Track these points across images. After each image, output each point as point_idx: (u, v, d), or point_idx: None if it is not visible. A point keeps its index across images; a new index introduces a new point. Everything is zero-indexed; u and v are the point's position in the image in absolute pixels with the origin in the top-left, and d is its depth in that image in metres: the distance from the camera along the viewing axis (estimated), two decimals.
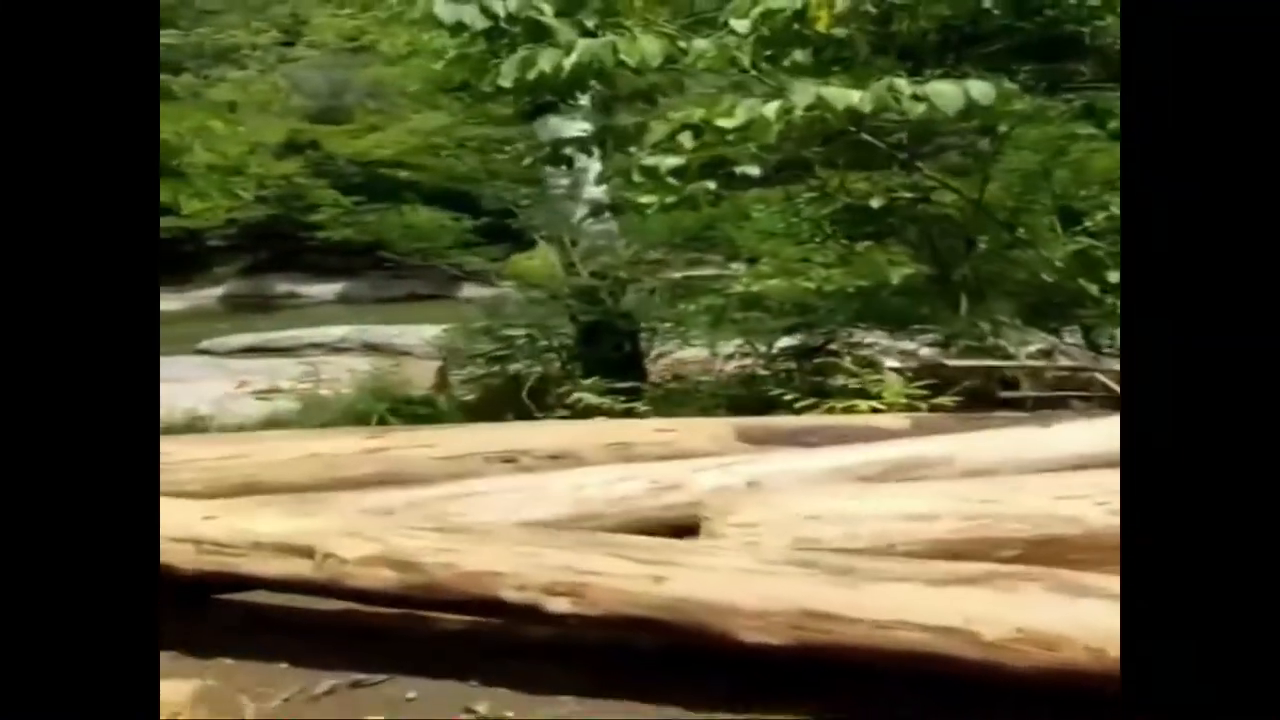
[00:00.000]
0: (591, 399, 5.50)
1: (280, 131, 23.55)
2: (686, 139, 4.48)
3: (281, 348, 13.87)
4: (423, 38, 10.22)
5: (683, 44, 4.55)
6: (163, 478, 3.06)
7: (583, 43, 4.32)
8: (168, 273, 24.79)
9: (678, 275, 6.99)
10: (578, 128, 6.06)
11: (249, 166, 22.18)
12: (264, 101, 25.60)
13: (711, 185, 5.08)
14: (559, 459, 3.57)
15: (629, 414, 5.46)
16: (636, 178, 4.81)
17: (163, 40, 29.55)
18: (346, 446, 3.39)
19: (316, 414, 7.10)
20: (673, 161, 4.65)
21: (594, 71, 4.41)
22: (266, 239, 22.90)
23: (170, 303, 23.51)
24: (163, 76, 28.54)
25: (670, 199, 5.03)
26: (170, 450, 3.19)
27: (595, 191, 6.93)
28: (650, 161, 4.69)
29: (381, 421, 6.33)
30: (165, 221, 20.46)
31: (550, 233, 7.05)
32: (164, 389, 10.78)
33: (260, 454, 3.26)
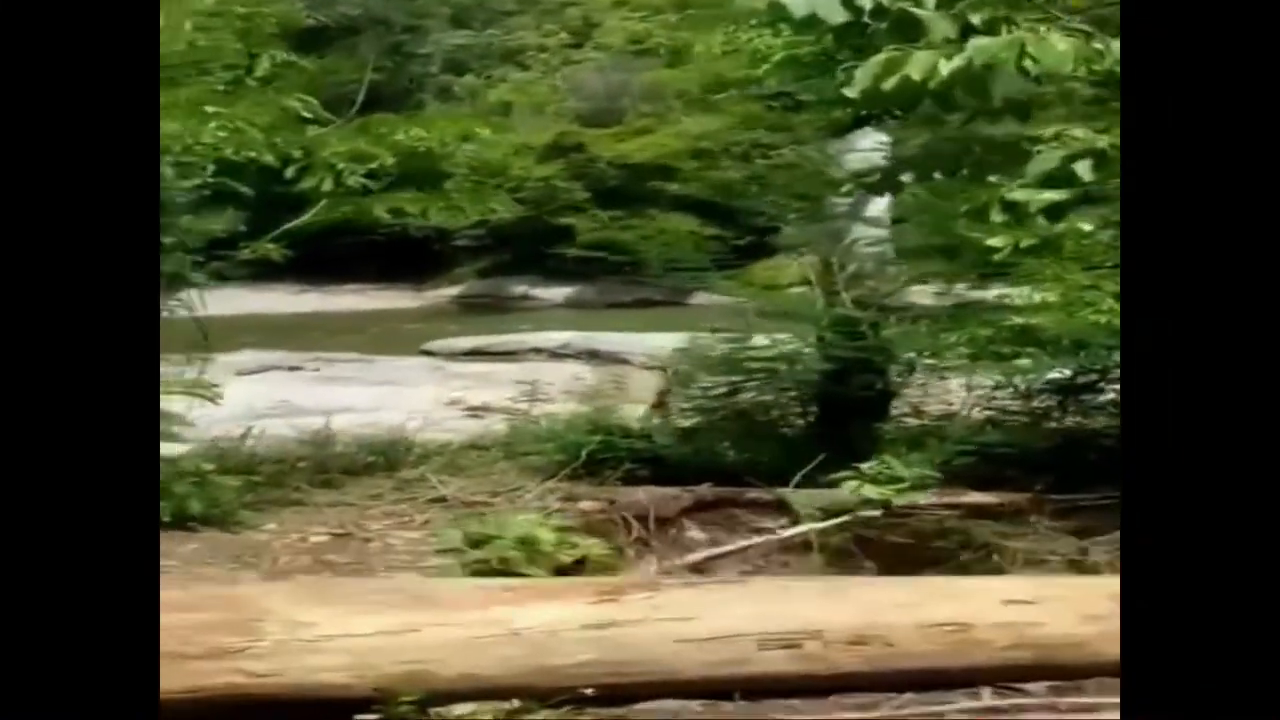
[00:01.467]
0: (871, 492, 4.39)
1: (548, 134, 23.50)
2: (1084, 169, 3.43)
3: (503, 352, 13.17)
4: (740, 38, 9.48)
5: (1098, 45, 3.46)
6: (299, 661, 2.18)
7: (978, 43, 3.37)
8: (410, 271, 24.56)
9: (947, 303, 5.97)
10: (878, 142, 5.21)
11: (510, 169, 22.10)
12: (540, 103, 25.71)
13: (1088, 227, 4.08)
14: (860, 645, 2.44)
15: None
16: (996, 215, 3.78)
17: (453, 41, 30.61)
18: (561, 619, 2.33)
19: (524, 441, 6.33)
20: (1050, 196, 3.60)
21: (974, 79, 3.35)
22: (513, 240, 22.84)
23: (406, 301, 23.23)
24: (445, 76, 29.46)
25: (1029, 241, 4.03)
26: (316, 620, 2.25)
27: (879, 212, 6.02)
28: (1019, 195, 3.66)
29: (593, 455, 5.55)
30: (417, 221, 20.59)
31: (818, 254, 6.10)
32: (380, 392, 9.25)
33: (433, 629, 2.28)
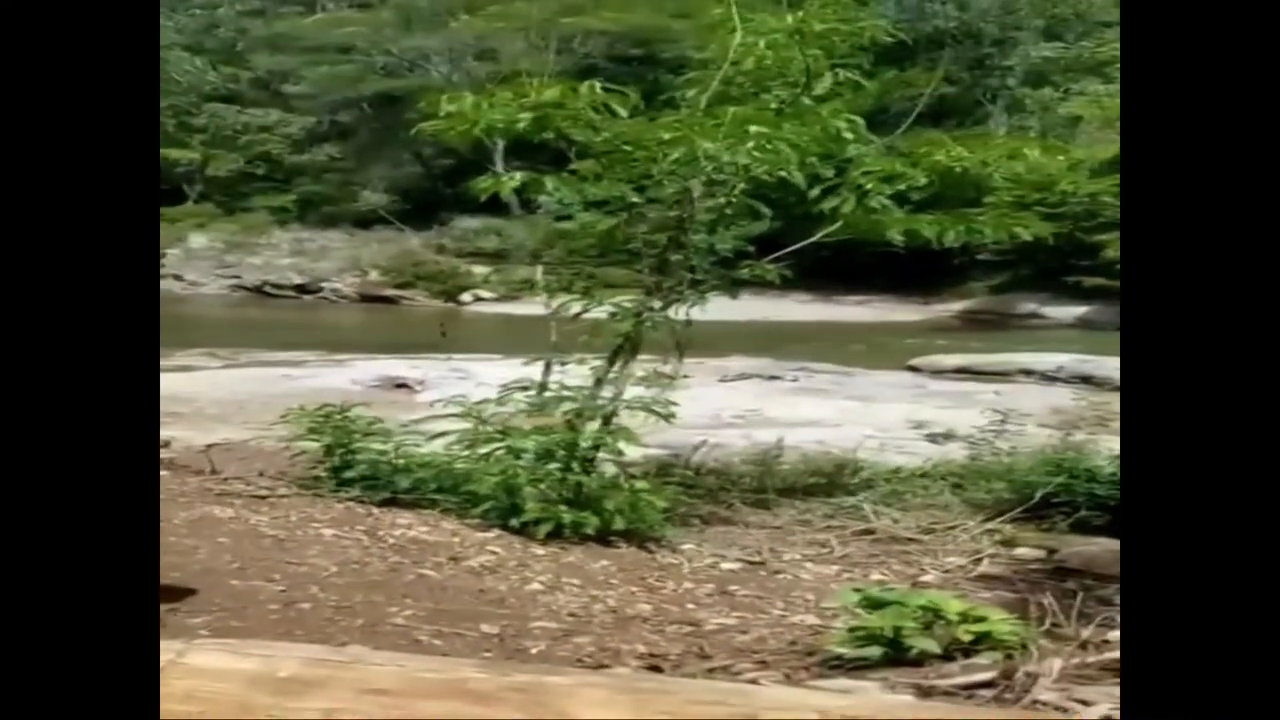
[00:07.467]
0: None
1: (1110, 149, 21.96)
2: None
3: (991, 372, 13.23)
4: None
5: None
6: None
7: None
8: (922, 283, 23.53)
9: None
10: None
11: (1057, 184, 21.24)
12: (1112, 118, 24.02)
13: None
14: None
15: None
16: None
17: (1040, 54, 28.70)
18: None
19: (977, 475, 6.35)
20: None
21: None
22: (1038, 256, 21.81)
23: (910, 313, 23.76)
24: (1021, 90, 27.87)
25: None
26: None
27: None
28: None
29: (1048, 498, 5.36)
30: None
31: None
32: (851, 406, 10.06)
33: None
